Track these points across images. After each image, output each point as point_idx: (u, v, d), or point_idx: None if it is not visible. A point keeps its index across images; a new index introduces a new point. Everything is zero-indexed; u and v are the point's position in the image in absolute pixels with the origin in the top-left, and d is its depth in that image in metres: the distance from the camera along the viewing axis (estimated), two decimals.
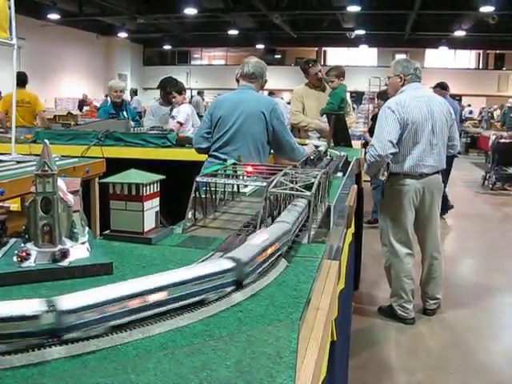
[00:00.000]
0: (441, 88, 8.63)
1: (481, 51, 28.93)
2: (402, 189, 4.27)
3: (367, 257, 5.60)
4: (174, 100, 6.54)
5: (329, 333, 1.40)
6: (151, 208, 1.76)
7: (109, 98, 7.00)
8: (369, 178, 6.67)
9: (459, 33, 22.87)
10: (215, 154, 3.81)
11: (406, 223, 4.33)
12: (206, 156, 3.96)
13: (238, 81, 4.05)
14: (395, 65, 4.40)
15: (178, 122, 6.26)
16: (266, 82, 4.04)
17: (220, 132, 3.82)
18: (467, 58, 29.74)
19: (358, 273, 4.99)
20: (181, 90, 6.62)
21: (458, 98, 23.24)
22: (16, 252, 1.40)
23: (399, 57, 4.78)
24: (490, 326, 4.55)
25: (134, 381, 0.91)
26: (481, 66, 29.47)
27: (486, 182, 11.46)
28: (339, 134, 5.04)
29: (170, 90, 6.59)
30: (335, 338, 1.65)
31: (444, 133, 4.28)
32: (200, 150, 4.01)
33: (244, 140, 3.75)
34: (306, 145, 4.49)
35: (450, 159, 5.74)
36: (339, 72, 5.73)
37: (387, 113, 4.16)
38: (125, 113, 6.84)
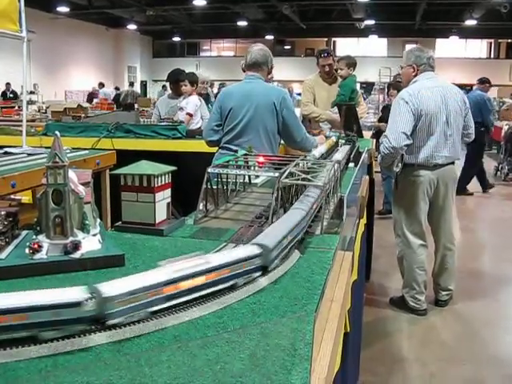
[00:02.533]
0: (480, 83, 8.64)
1: (492, 40, 28.67)
2: (416, 180, 4.23)
3: (378, 248, 5.57)
4: (183, 89, 6.48)
5: (342, 324, 1.39)
6: (163, 199, 1.75)
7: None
8: (380, 169, 6.66)
9: (470, 22, 22.68)
10: (227, 145, 3.78)
11: (420, 214, 4.30)
12: (217, 148, 3.94)
13: (244, 71, 4.02)
14: (408, 54, 4.34)
15: (187, 114, 6.23)
16: (272, 67, 3.97)
17: (231, 124, 3.79)
18: (478, 48, 29.49)
19: (369, 264, 4.97)
20: (194, 80, 6.59)
21: (468, 87, 23.07)
22: (28, 244, 1.40)
23: (409, 47, 4.72)
24: (502, 318, 4.52)
25: (147, 373, 0.90)
26: (492, 56, 29.21)
27: (499, 172, 11.36)
28: (350, 125, 5.00)
29: (183, 78, 6.54)
30: (348, 330, 1.64)
31: (459, 123, 4.23)
32: (211, 143, 3.99)
33: (256, 131, 3.72)
34: (317, 135, 4.47)
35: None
36: (350, 62, 5.68)
37: (401, 104, 4.12)
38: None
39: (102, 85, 21.71)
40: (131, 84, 22.50)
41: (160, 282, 1.05)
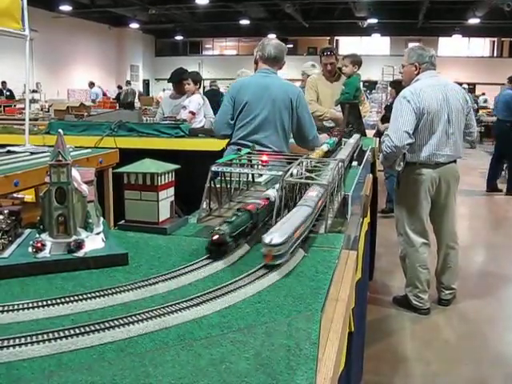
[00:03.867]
0: (510, 81, 8.64)
1: (495, 39, 28.58)
2: (417, 178, 4.22)
3: (381, 246, 5.56)
4: (186, 88, 6.47)
5: (347, 324, 1.38)
6: (166, 198, 1.75)
7: None
8: (382, 168, 6.64)
9: (473, 20, 22.60)
10: (241, 142, 3.60)
11: (422, 213, 4.29)
12: (223, 145, 3.87)
13: (256, 63, 3.87)
14: (410, 53, 4.32)
15: (190, 112, 6.22)
16: (284, 63, 3.85)
17: (246, 118, 3.64)
18: (481, 46, 29.41)
19: (373, 262, 4.96)
20: (197, 79, 6.57)
21: (471, 86, 23.02)
22: (31, 243, 1.39)
23: (412, 45, 4.69)
24: (506, 317, 4.51)
25: (151, 373, 0.90)
26: (495, 54, 29.13)
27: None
28: (353, 123, 4.99)
29: (186, 77, 6.52)
30: (353, 329, 1.63)
31: (460, 121, 4.22)
32: (223, 137, 3.87)
33: (274, 127, 3.61)
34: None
35: None
36: (355, 59, 5.66)
37: (403, 103, 4.11)
38: None
39: (92, 84, 21.62)
40: (128, 82, 22.42)
41: None
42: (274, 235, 1.30)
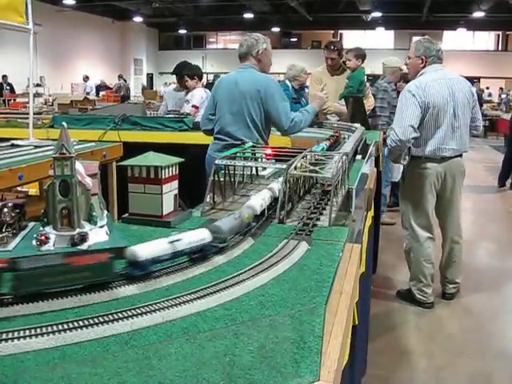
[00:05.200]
0: None
1: (500, 32, 28.44)
2: (423, 172, 4.21)
3: (385, 240, 5.56)
4: (187, 83, 6.47)
5: (351, 317, 1.38)
6: (170, 191, 1.74)
7: (288, 82, 6.49)
8: None
9: (478, 14, 22.49)
10: (218, 136, 3.79)
11: (427, 207, 4.28)
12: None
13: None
14: (417, 45, 4.28)
15: (193, 106, 6.22)
16: (263, 50, 3.85)
17: (219, 113, 3.79)
18: (486, 40, 29.27)
19: (376, 256, 4.96)
20: (194, 74, 6.55)
21: (476, 80, 22.92)
22: (35, 236, 1.39)
23: (416, 39, 4.66)
24: (510, 311, 4.50)
25: (155, 366, 0.90)
26: (500, 48, 29.00)
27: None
28: (357, 117, 4.98)
29: (185, 73, 6.52)
30: (357, 323, 1.63)
31: (466, 115, 4.20)
32: (207, 132, 3.99)
33: (243, 121, 3.69)
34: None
35: None
36: (358, 53, 5.65)
37: (408, 97, 4.09)
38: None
39: (87, 78, 21.43)
40: (120, 77, 22.38)
41: None
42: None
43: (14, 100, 12.54)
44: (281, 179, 1.79)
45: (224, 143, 3.66)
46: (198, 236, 1.34)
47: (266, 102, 3.67)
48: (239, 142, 3.32)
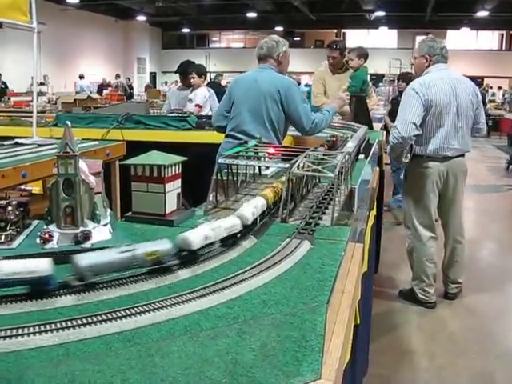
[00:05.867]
0: None
1: (504, 32, 28.38)
2: (425, 171, 4.21)
3: (387, 240, 5.56)
4: (192, 81, 6.48)
5: (353, 316, 1.38)
6: (173, 190, 1.75)
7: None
8: (389, 161, 6.62)
9: (482, 13, 22.44)
10: (232, 133, 3.77)
11: (430, 206, 4.28)
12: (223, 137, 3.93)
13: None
14: (421, 45, 4.32)
15: (196, 105, 6.23)
16: (283, 52, 3.86)
17: (236, 110, 3.78)
18: (490, 39, 29.21)
19: (378, 256, 4.96)
20: (201, 72, 6.57)
21: (479, 79, 22.88)
22: (39, 234, 1.40)
23: (420, 39, 4.67)
24: None
25: (158, 363, 0.90)
26: (504, 47, 28.94)
27: (511, 166, 11.21)
28: (360, 116, 4.98)
29: (190, 71, 6.53)
30: (358, 322, 1.63)
31: (469, 115, 4.20)
32: (219, 129, 3.97)
33: (261, 119, 3.69)
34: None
35: None
36: (361, 52, 5.65)
37: (411, 94, 4.10)
38: None
39: (81, 77, 21.11)
40: (118, 76, 22.35)
41: None
42: None
43: (9, 99, 12.35)
44: (283, 178, 1.79)
45: (238, 142, 3.65)
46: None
47: (286, 102, 3.67)
48: None
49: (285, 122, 3.78)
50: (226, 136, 3.84)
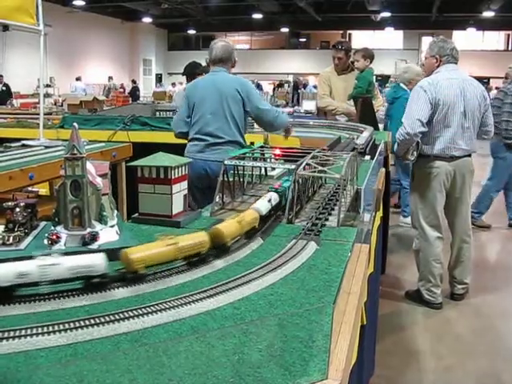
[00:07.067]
0: None
1: (510, 32, 28.27)
2: (432, 171, 4.21)
3: (393, 241, 5.55)
4: None
5: (359, 317, 1.38)
6: (179, 191, 1.76)
7: (403, 85, 6.32)
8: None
9: (488, 13, 22.36)
10: (197, 136, 3.82)
11: (437, 206, 4.28)
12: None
13: (208, 65, 4.15)
14: (431, 45, 4.32)
15: None
16: (235, 62, 4.05)
17: (198, 113, 3.84)
18: (495, 40, 29.11)
19: (385, 257, 4.95)
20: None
21: (485, 80, 22.78)
22: (47, 235, 1.41)
23: (426, 39, 4.71)
24: None
25: (165, 364, 0.91)
26: (510, 48, 28.83)
27: None
28: (366, 118, 4.98)
29: (199, 72, 6.53)
30: (365, 322, 1.63)
31: (475, 117, 4.19)
32: (180, 135, 4.01)
33: (224, 118, 3.77)
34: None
35: None
36: (367, 53, 5.65)
37: (419, 92, 4.11)
38: None
39: (78, 79, 20.97)
40: (110, 78, 22.47)
41: None
42: None
43: (11, 102, 12.31)
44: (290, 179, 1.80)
45: (205, 143, 3.73)
46: None
47: (247, 98, 3.79)
48: (221, 141, 3.67)
49: (245, 117, 3.89)
50: (191, 139, 3.89)
